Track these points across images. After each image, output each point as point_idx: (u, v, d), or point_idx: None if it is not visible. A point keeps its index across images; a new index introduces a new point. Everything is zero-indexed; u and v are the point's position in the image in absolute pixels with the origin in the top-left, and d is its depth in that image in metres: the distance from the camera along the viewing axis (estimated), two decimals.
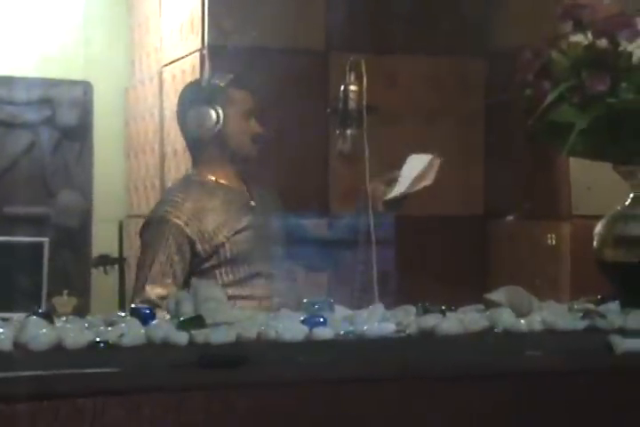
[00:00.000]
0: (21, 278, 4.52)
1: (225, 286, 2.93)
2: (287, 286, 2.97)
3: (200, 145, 3.09)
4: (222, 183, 3.05)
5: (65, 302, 4.64)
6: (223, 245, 2.95)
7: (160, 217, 2.97)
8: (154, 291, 2.87)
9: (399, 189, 2.97)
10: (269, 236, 3.05)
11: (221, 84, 3.03)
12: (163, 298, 2.76)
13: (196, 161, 3.14)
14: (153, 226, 2.99)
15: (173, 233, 2.92)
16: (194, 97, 3.09)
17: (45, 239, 4.67)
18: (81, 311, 4.44)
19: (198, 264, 2.95)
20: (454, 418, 1.24)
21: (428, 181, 2.96)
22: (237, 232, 2.98)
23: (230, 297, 2.90)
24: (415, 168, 2.97)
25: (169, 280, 2.89)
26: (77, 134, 5.02)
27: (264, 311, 1.84)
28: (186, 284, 2.88)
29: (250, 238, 3.00)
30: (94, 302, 4.87)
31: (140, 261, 2.99)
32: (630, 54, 1.73)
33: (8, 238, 4.71)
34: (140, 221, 5.20)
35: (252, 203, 3.07)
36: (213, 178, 3.05)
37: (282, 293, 2.93)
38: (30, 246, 4.65)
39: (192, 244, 2.93)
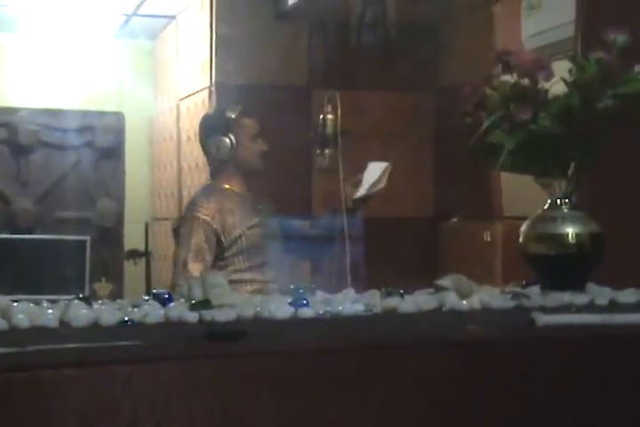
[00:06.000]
0: (69, 268, 4.50)
1: (242, 271, 2.93)
2: (283, 273, 2.96)
3: (218, 163, 3.07)
4: (236, 191, 3.04)
5: (103, 286, 4.62)
6: (240, 237, 2.94)
7: (192, 215, 2.95)
8: (191, 270, 2.84)
9: (362, 191, 2.97)
10: (271, 232, 3.04)
11: (232, 116, 3.02)
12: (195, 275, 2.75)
13: (214, 174, 3.13)
14: (187, 223, 2.96)
15: (203, 226, 2.91)
16: (212, 127, 3.07)
17: (87, 237, 4.65)
18: (116, 294, 4.42)
19: (221, 253, 2.94)
20: (412, 379, 1.23)
21: (382, 185, 2.96)
22: (250, 228, 2.97)
23: (246, 281, 2.92)
24: (374, 174, 2.96)
25: (200, 264, 2.87)
26: (112, 154, 5.01)
27: (261, 295, 1.83)
28: (212, 268, 2.88)
29: (259, 233, 2.99)
30: (126, 287, 4.86)
31: (176, 251, 2.95)
32: (546, 91, 1.73)
33: (58, 236, 4.69)
34: (163, 223, 5.24)
35: (259, 206, 3.06)
36: (228, 186, 3.04)
37: (279, 278, 2.93)
38: (76, 243, 4.63)
39: (217, 235, 2.91)
